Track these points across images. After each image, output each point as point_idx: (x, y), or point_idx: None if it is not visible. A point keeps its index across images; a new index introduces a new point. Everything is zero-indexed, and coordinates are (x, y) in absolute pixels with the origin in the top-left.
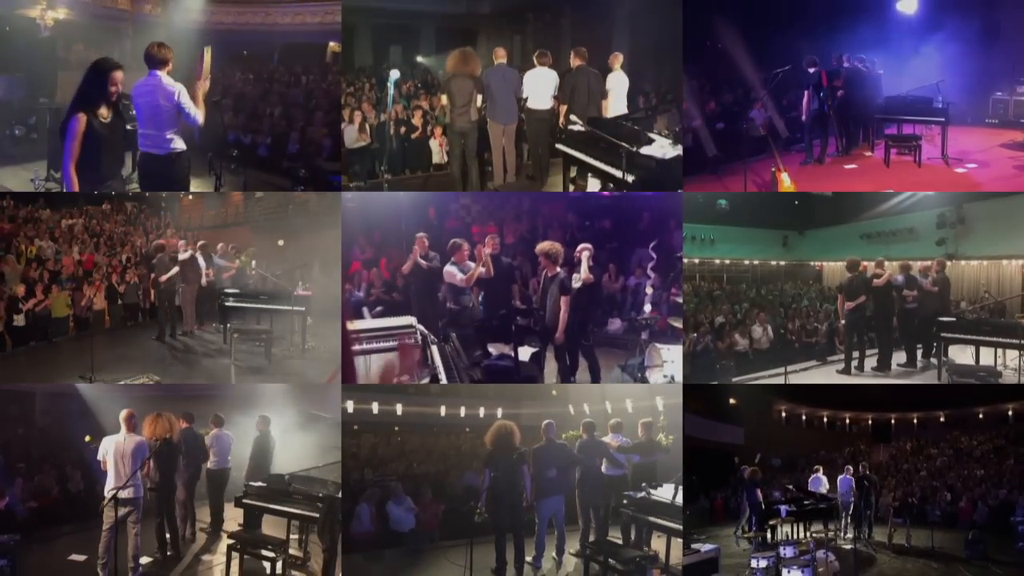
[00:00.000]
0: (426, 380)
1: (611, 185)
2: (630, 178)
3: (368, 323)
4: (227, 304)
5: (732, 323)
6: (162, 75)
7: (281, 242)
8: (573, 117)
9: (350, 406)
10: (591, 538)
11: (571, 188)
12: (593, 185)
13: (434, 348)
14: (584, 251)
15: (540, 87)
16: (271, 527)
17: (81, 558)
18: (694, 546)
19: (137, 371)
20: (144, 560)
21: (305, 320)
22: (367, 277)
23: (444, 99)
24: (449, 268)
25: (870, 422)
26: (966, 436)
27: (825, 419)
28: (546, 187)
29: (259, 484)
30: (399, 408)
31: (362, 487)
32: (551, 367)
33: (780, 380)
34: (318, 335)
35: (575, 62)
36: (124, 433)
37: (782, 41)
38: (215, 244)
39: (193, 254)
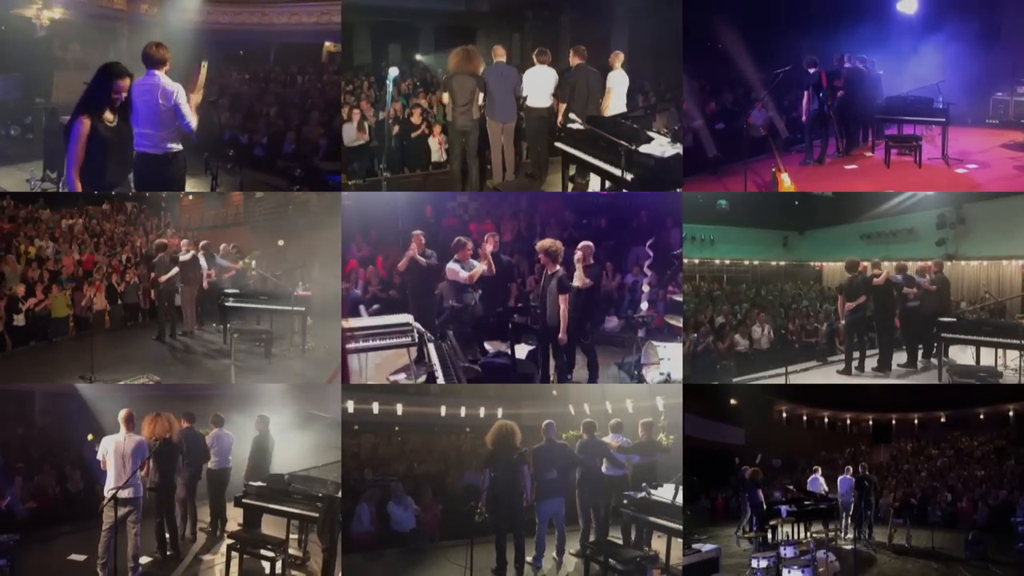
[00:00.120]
0: (423, 378)
1: (607, 184)
2: (629, 176)
3: (364, 321)
4: (227, 304)
5: (732, 323)
6: (161, 75)
7: (281, 242)
8: (572, 115)
9: (351, 406)
10: (591, 538)
11: (570, 187)
12: (594, 183)
13: (431, 346)
14: (583, 250)
15: (539, 85)
16: (271, 527)
17: (81, 558)
18: (695, 546)
19: (137, 371)
20: (144, 560)
21: (305, 320)
22: (363, 275)
23: (446, 97)
24: (452, 265)
25: (871, 422)
26: (967, 436)
27: (826, 419)
28: (545, 185)
29: (259, 484)
30: (399, 408)
31: (362, 487)
32: (550, 364)
33: (781, 380)
34: (318, 335)
35: (574, 60)
36: (124, 433)
37: (782, 41)
38: (217, 244)
39: (195, 255)
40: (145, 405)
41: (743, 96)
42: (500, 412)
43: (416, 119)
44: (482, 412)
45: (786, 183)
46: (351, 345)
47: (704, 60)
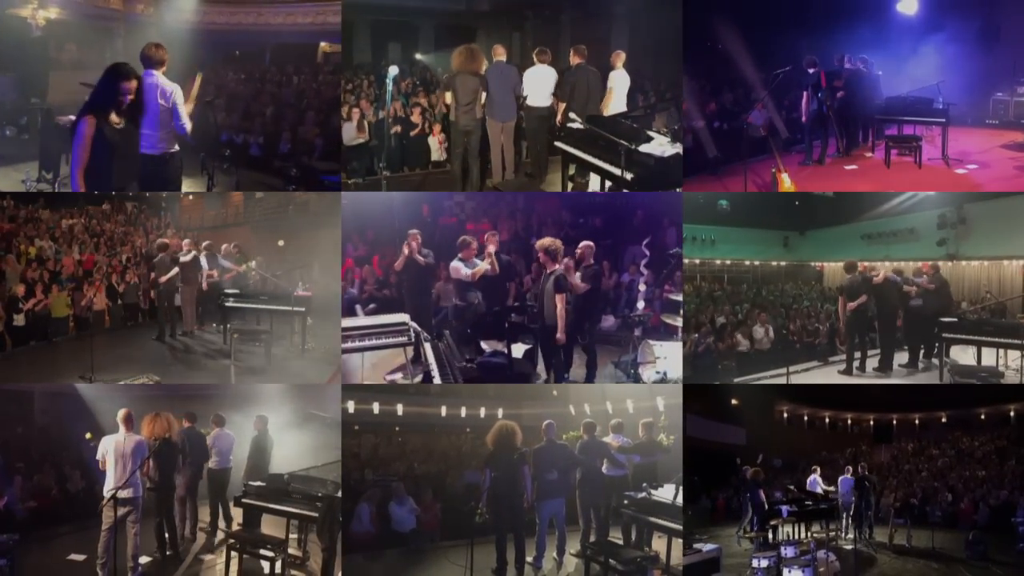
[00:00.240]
0: (419, 378)
1: (607, 183)
2: (629, 176)
3: (361, 320)
4: (227, 304)
5: (733, 323)
6: (159, 75)
7: (281, 242)
8: (572, 115)
9: (351, 406)
10: (592, 538)
11: (570, 186)
12: (594, 183)
13: (427, 345)
14: (584, 250)
15: (539, 85)
16: (270, 527)
17: (80, 558)
18: (696, 546)
19: (137, 371)
20: (143, 560)
21: (305, 320)
22: (359, 274)
23: (448, 96)
24: (455, 264)
25: (872, 423)
26: (968, 437)
27: (827, 419)
28: (545, 185)
29: (258, 484)
30: (400, 408)
31: (363, 487)
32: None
33: (782, 380)
34: (318, 335)
35: (574, 60)
36: (123, 433)
37: (782, 41)
38: (219, 245)
39: (196, 255)
40: (145, 405)
41: (743, 96)
42: (500, 412)
43: (416, 118)
44: (482, 412)
45: (786, 183)
46: (347, 345)
47: (704, 60)
